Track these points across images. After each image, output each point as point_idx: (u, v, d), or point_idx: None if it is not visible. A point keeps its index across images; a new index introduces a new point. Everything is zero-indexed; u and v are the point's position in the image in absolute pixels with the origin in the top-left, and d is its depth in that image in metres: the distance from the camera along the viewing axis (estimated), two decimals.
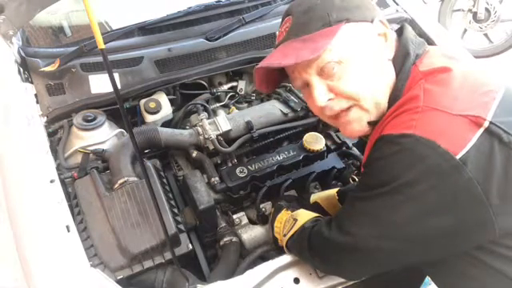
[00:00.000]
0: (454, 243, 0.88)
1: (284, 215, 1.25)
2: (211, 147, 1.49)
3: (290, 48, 0.96)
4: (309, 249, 1.05)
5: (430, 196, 0.83)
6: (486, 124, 0.81)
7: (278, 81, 1.13)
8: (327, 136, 1.59)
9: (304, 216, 1.17)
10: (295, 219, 1.17)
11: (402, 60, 0.98)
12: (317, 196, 1.39)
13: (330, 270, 1.07)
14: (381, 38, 1.00)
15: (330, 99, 0.98)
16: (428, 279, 1.39)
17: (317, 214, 1.18)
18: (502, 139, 0.81)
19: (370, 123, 1.00)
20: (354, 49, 0.95)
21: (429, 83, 0.91)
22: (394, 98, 0.96)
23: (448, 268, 0.98)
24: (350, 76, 0.95)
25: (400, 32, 1.05)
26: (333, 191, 1.39)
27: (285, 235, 1.17)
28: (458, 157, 0.80)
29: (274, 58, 0.98)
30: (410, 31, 1.04)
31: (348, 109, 0.99)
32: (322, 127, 1.67)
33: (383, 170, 0.88)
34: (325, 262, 1.05)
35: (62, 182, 1.29)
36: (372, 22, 0.98)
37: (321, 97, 0.97)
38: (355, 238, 0.91)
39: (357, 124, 1.00)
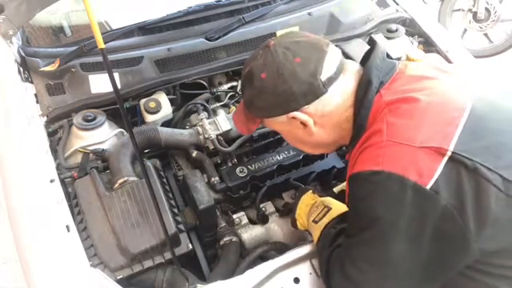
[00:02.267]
0: (446, 268, 0.90)
1: (310, 198, 1.25)
2: (211, 147, 1.49)
3: (242, 116, 1.14)
4: (325, 269, 1.05)
5: (413, 228, 0.85)
6: (449, 154, 0.84)
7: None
8: None
9: (337, 207, 1.16)
10: (328, 207, 1.17)
11: (364, 89, 0.98)
12: (342, 185, 1.38)
13: None
14: (297, 123, 1.03)
15: None
16: None
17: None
18: (467, 166, 0.83)
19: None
20: (275, 129, 1.15)
21: (392, 116, 0.92)
22: (358, 127, 1.00)
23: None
24: (285, 138, 1.19)
25: (367, 57, 1.05)
26: None
27: (315, 221, 1.16)
28: (428, 187, 0.82)
29: (236, 121, 1.19)
30: (377, 55, 1.03)
31: None
32: None
33: (364, 212, 0.92)
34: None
35: (62, 181, 1.28)
36: (287, 114, 1.02)
37: None
38: (358, 283, 0.94)
39: (314, 153, 1.25)
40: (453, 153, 0.83)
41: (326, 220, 1.13)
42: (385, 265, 0.91)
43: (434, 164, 0.84)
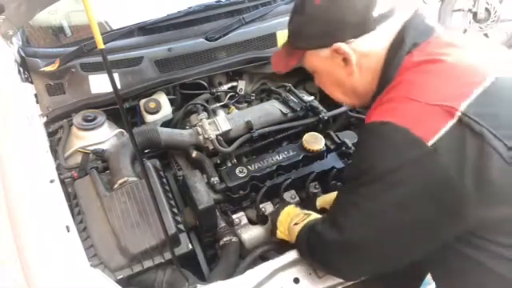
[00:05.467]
0: (434, 232, 0.90)
1: (293, 209, 1.26)
2: (211, 147, 1.49)
3: (282, 52, 1.14)
4: (307, 247, 1.07)
5: (407, 183, 0.85)
6: (458, 114, 0.83)
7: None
8: (327, 136, 1.59)
9: (316, 216, 1.18)
10: (308, 214, 1.18)
11: (396, 48, 0.98)
12: (322, 201, 1.39)
13: (327, 264, 1.07)
14: (338, 60, 1.02)
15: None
16: (427, 279, 1.39)
17: None
18: (473, 129, 0.83)
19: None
20: (315, 66, 1.10)
21: (413, 73, 0.93)
22: (383, 84, 0.99)
23: (448, 268, 0.99)
24: (320, 81, 1.15)
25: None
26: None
27: (296, 224, 1.17)
28: (429, 143, 0.82)
29: (275, 57, 1.17)
30: (416, 16, 1.02)
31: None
32: (321, 127, 1.67)
33: (363, 157, 0.94)
34: (318, 258, 1.06)
35: (62, 182, 1.29)
36: (330, 46, 1.00)
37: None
38: (342, 228, 0.94)
39: (345, 101, 1.18)
40: (462, 113, 0.83)
41: (305, 222, 1.14)
42: (370, 213, 0.91)
43: (440, 123, 0.84)
